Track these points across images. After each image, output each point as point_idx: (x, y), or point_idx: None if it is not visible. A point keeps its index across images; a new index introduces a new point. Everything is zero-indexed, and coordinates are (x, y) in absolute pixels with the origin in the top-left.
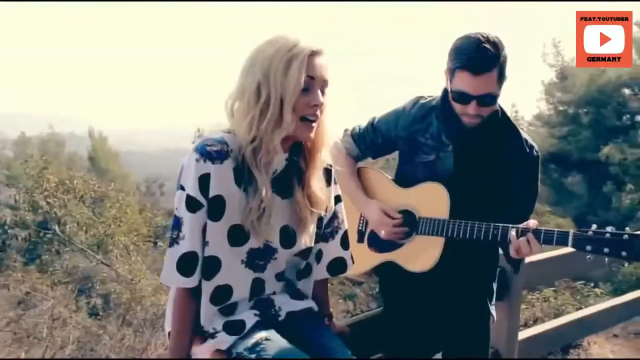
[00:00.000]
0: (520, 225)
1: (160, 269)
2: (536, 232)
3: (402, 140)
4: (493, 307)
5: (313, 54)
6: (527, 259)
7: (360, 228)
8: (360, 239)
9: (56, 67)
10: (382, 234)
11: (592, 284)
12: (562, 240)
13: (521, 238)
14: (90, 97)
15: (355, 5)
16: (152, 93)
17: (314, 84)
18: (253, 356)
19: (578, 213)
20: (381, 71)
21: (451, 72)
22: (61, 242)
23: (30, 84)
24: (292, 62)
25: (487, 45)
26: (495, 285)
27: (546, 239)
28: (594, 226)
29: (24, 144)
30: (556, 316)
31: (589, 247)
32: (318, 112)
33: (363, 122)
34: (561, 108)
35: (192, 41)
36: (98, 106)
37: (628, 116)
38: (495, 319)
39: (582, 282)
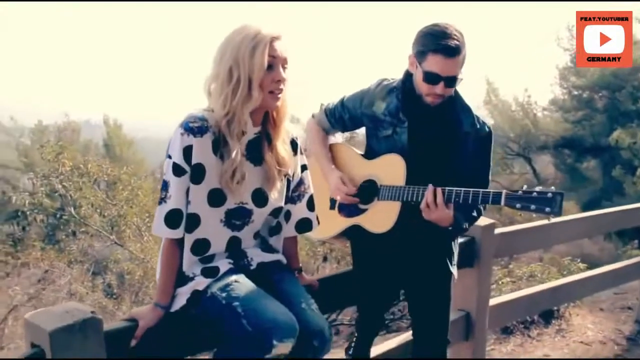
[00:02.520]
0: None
1: None
2: (448, 192)
3: (366, 117)
4: (454, 267)
5: (273, 39)
6: (497, 230)
7: (332, 197)
8: (332, 207)
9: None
10: (338, 198)
11: (579, 260)
12: (496, 200)
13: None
14: (105, 85)
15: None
16: (167, 83)
17: (276, 62)
18: (224, 294)
19: (592, 198)
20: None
21: (421, 55)
22: (77, 223)
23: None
24: (257, 47)
25: (456, 33)
26: (455, 247)
27: (484, 199)
28: (525, 186)
29: (41, 131)
30: None
31: (518, 205)
32: (282, 86)
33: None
34: (575, 92)
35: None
36: (112, 95)
37: None
38: (455, 277)
39: (569, 257)
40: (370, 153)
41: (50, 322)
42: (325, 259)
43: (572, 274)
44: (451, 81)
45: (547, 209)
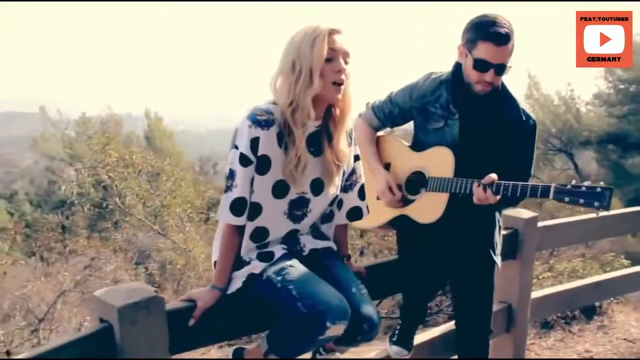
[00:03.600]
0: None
1: (212, 238)
2: (493, 185)
3: (415, 110)
4: (498, 257)
5: (332, 32)
6: (540, 223)
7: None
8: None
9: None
10: (384, 201)
11: (623, 256)
12: (545, 193)
13: (487, 190)
14: (145, 80)
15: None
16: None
17: (336, 54)
18: (279, 278)
19: (637, 196)
20: None
21: (472, 43)
22: (122, 213)
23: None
24: (316, 40)
25: (505, 22)
26: (498, 238)
27: (532, 192)
28: (574, 181)
29: (85, 123)
30: None
31: (567, 199)
32: (343, 77)
33: (382, 97)
34: (621, 86)
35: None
36: (151, 89)
37: None
38: (499, 267)
39: (612, 254)
40: (418, 145)
41: (119, 299)
42: (362, 252)
43: (615, 271)
44: (501, 69)
45: (596, 204)
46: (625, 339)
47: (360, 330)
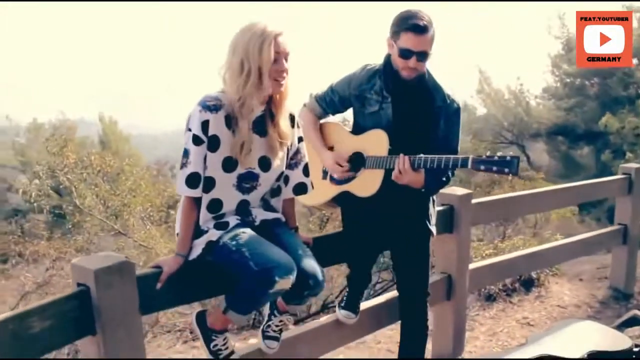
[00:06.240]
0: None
1: (172, 235)
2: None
3: (354, 97)
4: (433, 227)
5: (277, 35)
6: (474, 200)
7: (324, 169)
8: (324, 177)
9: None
10: (336, 175)
11: (558, 234)
12: (464, 163)
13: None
14: (98, 84)
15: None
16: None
17: (279, 56)
18: (234, 243)
19: None
20: None
21: (396, 35)
22: (82, 214)
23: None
24: (264, 43)
25: (424, 15)
26: (433, 210)
27: (454, 163)
28: (488, 152)
29: (37, 129)
30: None
31: (482, 167)
32: (285, 75)
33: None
34: (567, 80)
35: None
36: (104, 93)
37: (634, 86)
38: (434, 234)
39: (550, 231)
40: (357, 129)
41: (94, 263)
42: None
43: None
44: (422, 56)
45: (507, 170)
46: (558, 305)
47: (306, 286)
